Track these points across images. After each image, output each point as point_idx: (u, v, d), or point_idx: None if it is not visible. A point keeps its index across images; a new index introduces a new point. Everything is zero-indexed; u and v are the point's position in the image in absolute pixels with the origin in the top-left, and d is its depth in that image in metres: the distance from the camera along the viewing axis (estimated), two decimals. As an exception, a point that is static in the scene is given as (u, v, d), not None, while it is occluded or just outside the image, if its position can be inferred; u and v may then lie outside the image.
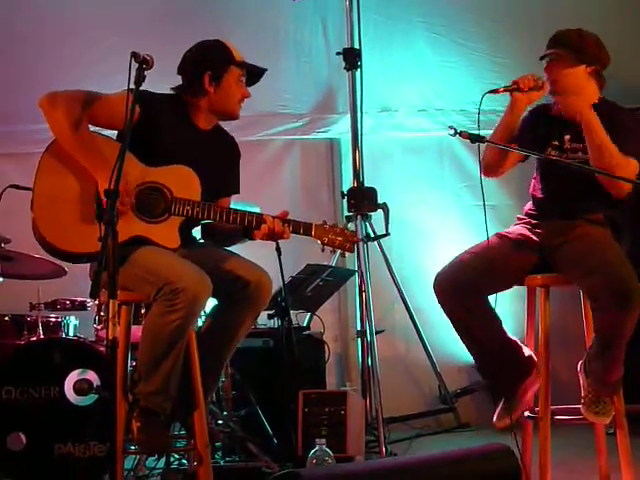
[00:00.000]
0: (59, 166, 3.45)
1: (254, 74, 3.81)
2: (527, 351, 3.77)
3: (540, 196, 3.86)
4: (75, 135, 3.41)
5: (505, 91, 3.75)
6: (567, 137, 3.82)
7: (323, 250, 3.68)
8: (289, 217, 3.62)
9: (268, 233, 3.58)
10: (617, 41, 5.57)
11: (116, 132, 3.60)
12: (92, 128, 3.53)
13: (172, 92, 3.74)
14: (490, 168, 3.90)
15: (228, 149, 3.89)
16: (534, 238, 3.80)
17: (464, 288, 3.69)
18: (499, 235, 3.86)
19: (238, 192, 3.91)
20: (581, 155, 3.75)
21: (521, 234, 3.85)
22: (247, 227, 3.60)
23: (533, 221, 3.86)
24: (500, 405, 3.74)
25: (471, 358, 3.88)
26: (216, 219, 3.59)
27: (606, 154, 3.61)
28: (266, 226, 3.57)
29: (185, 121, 3.72)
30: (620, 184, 3.61)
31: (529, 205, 3.96)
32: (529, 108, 3.86)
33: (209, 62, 3.70)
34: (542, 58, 3.85)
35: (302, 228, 3.63)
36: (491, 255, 3.74)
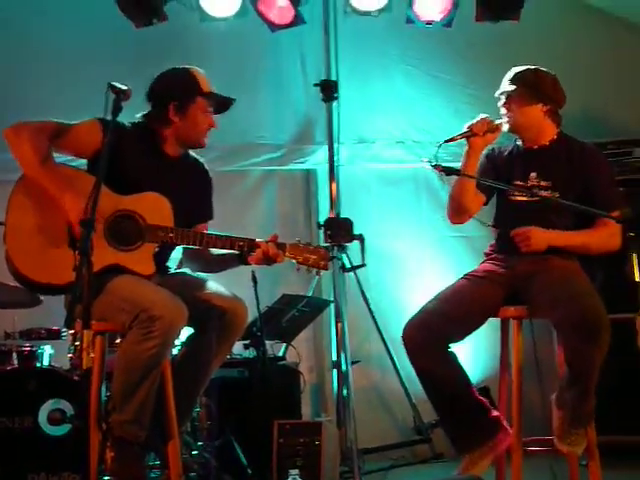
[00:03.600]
0: (30, 199, 3.47)
1: (222, 103, 3.83)
2: (494, 412, 3.78)
3: (504, 234, 3.89)
4: (42, 167, 3.42)
5: (461, 137, 3.81)
6: (533, 174, 3.88)
7: (298, 269, 3.68)
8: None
9: (263, 257, 3.59)
10: (590, 79, 5.74)
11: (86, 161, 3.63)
12: (61, 158, 3.55)
13: (140, 120, 3.76)
14: (456, 209, 3.94)
15: (198, 175, 3.91)
16: (501, 272, 3.84)
17: (432, 338, 3.70)
18: (466, 276, 3.89)
19: (212, 218, 3.92)
20: (550, 193, 3.81)
21: (487, 270, 3.89)
22: (240, 251, 3.62)
23: (500, 256, 3.90)
24: (464, 459, 3.74)
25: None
26: (194, 244, 3.60)
27: (592, 248, 3.79)
28: (260, 250, 3.58)
29: (153, 149, 3.74)
30: (611, 249, 3.76)
31: (494, 240, 4.00)
32: (485, 152, 3.92)
33: (174, 92, 3.71)
34: (499, 95, 3.93)
35: (276, 247, 3.62)
36: (458, 298, 3.77)
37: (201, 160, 3.93)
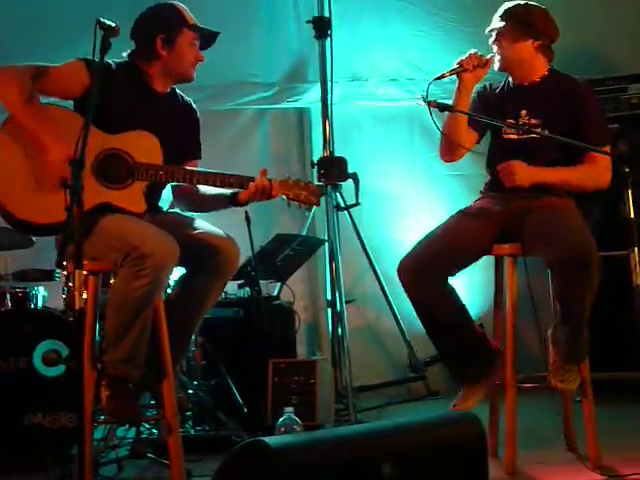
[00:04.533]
0: (17, 140, 3.43)
1: (207, 38, 3.79)
2: (494, 343, 3.80)
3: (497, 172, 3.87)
4: (27, 107, 3.39)
5: (451, 74, 3.78)
6: (523, 112, 3.85)
7: (289, 205, 3.67)
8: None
9: (256, 191, 3.58)
10: (591, 17, 5.66)
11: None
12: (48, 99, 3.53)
13: (126, 59, 3.72)
14: (449, 147, 3.91)
15: (186, 113, 3.88)
16: (496, 209, 3.83)
17: (428, 273, 3.70)
18: (460, 212, 3.89)
19: (200, 157, 3.89)
20: (540, 131, 3.78)
21: (482, 207, 3.88)
22: (231, 191, 3.62)
23: (494, 194, 3.88)
24: (462, 390, 3.76)
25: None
26: (184, 181, 3.59)
27: (578, 184, 3.78)
28: (254, 184, 3.57)
29: (141, 86, 3.71)
30: (601, 185, 3.77)
31: (489, 178, 3.98)
32: (477, 88, 3.89)
33: (161, 25, 3.69)
34: (489, 32, 3.88)
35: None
36: (453, 234, 3.78)
37: (189, 99, 3.90)
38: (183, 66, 3.72)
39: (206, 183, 3.61)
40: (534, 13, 3.85)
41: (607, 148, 3.74)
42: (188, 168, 3.65)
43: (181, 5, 3.75)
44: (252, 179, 3.60)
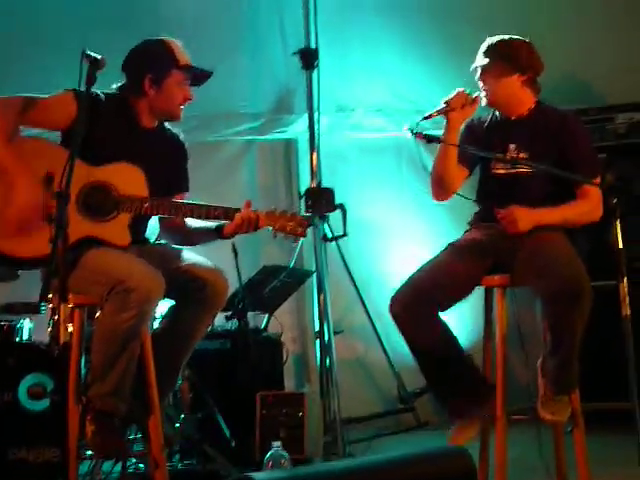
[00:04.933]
0: None
1: (200, 76, 3.77)
2: (488, 379, 3.77)
3: (487, 206, 3.86)
4: (6, 147, 3.36)
5: (439, 114, 3.76)
6: (512, 146, 3.85)
7: (275, 237, 3.65)
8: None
9: (244, 223, 3.56)
10: (575, 46, 5.69)
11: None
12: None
13: (116, 91, 3.71)
14: (439, 184, 3.88)
15: (173, 147, 3.86)
16: (485, 241, 3.81)
17: (420, 308, 3.67)
18: (450, 246, 3.86)
19: (187, 190, 3.87)
20: (528, 164, 3.77)
21: (472, 239, 3.86)
22: (217, 224, 3.61)
23: (484, 224, 3.87)
24: (456, 424, 3.73)
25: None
26: (169, 214, 3.57)
27: (575, 221, 3.75)
28: (239, 215, 3.55)
29: (128, 120, 3.69)
30: (594, 220, 3.75)
31: (478, 209, 3.98)
32: (464, 124, 3.88)
33: (149, 65, 3.66)
34: (474, 69, 3.89)
35: None
36: (444, 269, 3.74)
37: (176, 132, 3.89)
38: (169, 106, 3.70)
39: (192, 215, 3.59)
40: (518, 48, 3.84)
41: (597, 180, 3.73)
42: (174, 200, 3.63)
43: (175, 43, 3.72)
44: (238, 210, 3.58)
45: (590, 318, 3.50)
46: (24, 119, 3.44)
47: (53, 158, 3.35)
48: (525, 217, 3.69)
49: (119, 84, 3.72)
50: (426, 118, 3.72)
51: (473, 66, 3.90)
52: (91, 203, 3.47)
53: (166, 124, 3.84)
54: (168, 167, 3.77)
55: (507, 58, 3.82)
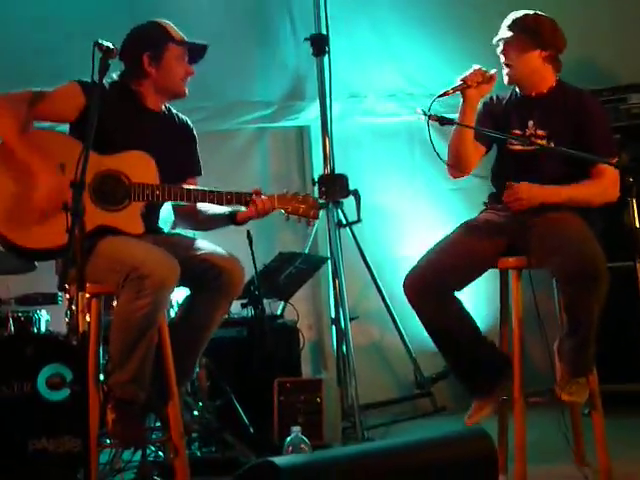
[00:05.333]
0: (11, 167, 3.41)
1: (196, 51, 3.79)
2: (505, 354, 3.77)
3: (503, 185, 3.84)
4: (20, 137, 3.39)
5: (455, 91, 3.72)
6: (530, 123, 3.83)
7: (288, 219, 3.67)
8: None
9: (258, 208, 3.57)
10: (588, 26, 5.65)
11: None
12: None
13: (117, 79, 3.72)
14: (456, 163, 3.85)
15: (182, 130, 3.87)
16: (501, 222, 3.79)
17: (434, 288, 3.67)
18: (465, 225, 3.85)
19: (200, 173, 3.88)
20: (546, 142, 3.75)
21: (487, 220, 3.84)
22: (230, 211, 3.62)
23: (498, 206, 3.85)
24: (474, 403, 3.73)
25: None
26: (181, 199, 3.58)
27: (586, 200, 3.72)
28: (254, 207, 3.56)
29: (134, 105, 3.71)
30: (609, 200, 3.71)
31: (493, 190, 3.96)
32: (483, 99, 3.86)
33: (146, 43, 3.69)
34: (497, 42, 3.86)
35: None
36: (458, 248, 3.74)
37: (184, 117, 3.90)
38: (173, 81, 3.71)
39: (204, 200, 3.59)
40: (542, 23, 3.82)
41: (614, 160, 3.70)
42: (185, 187, 3.63)
43: (165, 22, 3.75)
44: (250, 195, 3.59)
45: (607, 299, 3.49)
46: (34, 112, 3.46)
47: (65, 149, 3.38)
48: (530, 194, 3.67)
49: (119, 72, 3.73)
50: (441, 95, 3.68)
51: (496, 39, 3.86)
52: (103, 192, 3.48)
53: (174, 110, 3.85)
54: (178, 150, 3.78)
55: (531, 32, 3.79)
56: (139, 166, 3.56)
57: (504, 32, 3.84)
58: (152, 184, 3.54)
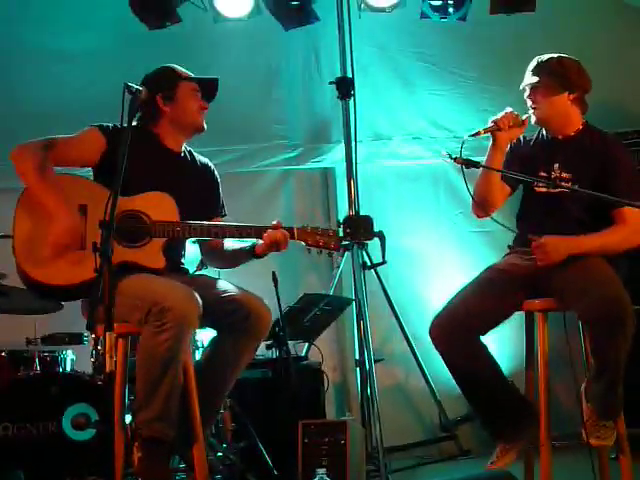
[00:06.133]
0: (34, 210, 3.48)
1: (209, 87, 3.86)
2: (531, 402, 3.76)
3: (529, 228, 3.84)
4: (41, 182, 3.47)
5: (486, 132, 3.75)
6: (556, 165, 3.84)
7: (309, 252, 3.71)
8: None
9: (272, 243, 3.62)
10: (607, 66, 5.67)
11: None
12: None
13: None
14: (481, 203, 3.85)
15: (203, 171, 3.94)
16: (525, 265, 3.79)
17: (461, 333, 3.68)
18: (490, 269, 3.85)
19: (224, 214, 3.95)
20: (571, 185, 3.75)
21: (512, 263, 3.84)
22: (250, 245, 3.67)
23: (523, 249, 3.85)
24: (498, 448, 3.71)
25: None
26: (201, 235, 3.64)
27: (612, 249, 3.71)
28: (267, 236, 3.61)
29: (153, 147, 3.78)
30: (634, 246, 3.71)
31: (518, 232, 3.96)
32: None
33: (158, 85, 3.76)
34: (523, 88, 3.88)
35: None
36: (485, 292, 3.74)
37: (206, 159, 3.97)
38: (188, 115, 3.80)
39: (224, 235, 3.66)
40: (568, 65, 3.84)
41: (637, 215, 3.69)
42: (205, 223, 3.67)
43: (171, 65, 3.86)
44: (269, 228, 3.65)
45: (633, 342, 3.47)
46: (54, 157, 3.54)
47: (86, 191, 3.52)
48: (558, 248, 3.66)
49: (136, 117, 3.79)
50: (473, 135, 3.70)
51: (522, 85, 3.89)
52: (125, 231, 3.53)
53: (195, 154, 3.91)
54: (200, 191, 3.84)
55: (557, 75, 3.81)
56: (159, 206, 3.62)
57: (529, 77, 3.86)
58: (172, 221, 3.58)
